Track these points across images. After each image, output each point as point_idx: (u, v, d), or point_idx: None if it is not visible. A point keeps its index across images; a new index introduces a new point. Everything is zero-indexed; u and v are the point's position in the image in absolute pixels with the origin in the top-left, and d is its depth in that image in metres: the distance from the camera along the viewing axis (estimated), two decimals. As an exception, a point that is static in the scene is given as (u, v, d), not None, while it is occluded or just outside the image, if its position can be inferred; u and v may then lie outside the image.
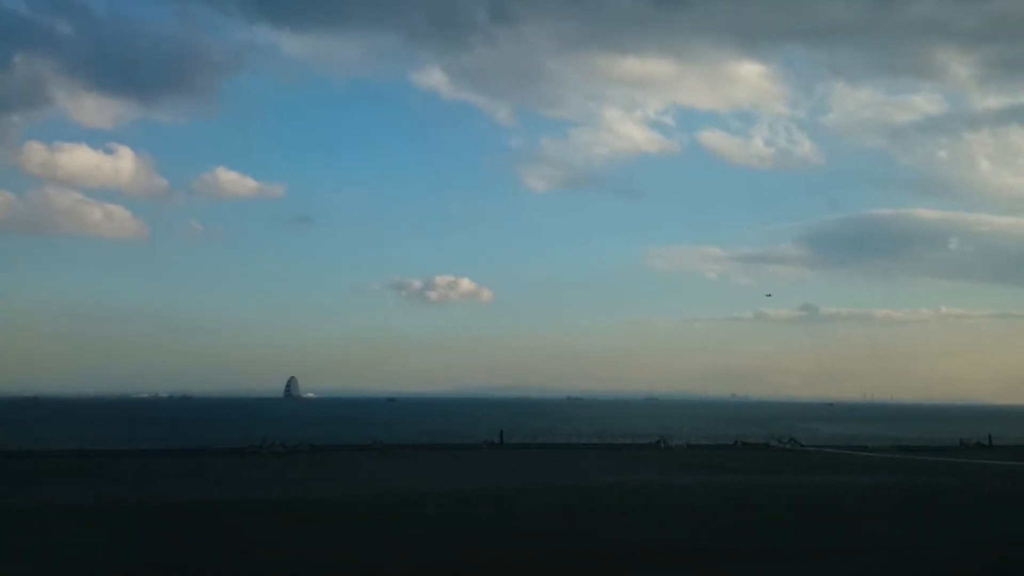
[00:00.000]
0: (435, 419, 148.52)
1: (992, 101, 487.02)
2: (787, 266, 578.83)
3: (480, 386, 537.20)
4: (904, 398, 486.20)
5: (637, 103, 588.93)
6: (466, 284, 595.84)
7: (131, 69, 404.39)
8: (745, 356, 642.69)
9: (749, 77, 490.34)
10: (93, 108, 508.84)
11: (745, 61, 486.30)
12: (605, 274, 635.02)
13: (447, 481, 35.77)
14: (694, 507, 27.21)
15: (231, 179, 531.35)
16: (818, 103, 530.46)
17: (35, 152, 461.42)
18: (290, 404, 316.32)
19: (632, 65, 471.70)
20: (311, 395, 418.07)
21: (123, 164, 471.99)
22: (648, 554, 18.58)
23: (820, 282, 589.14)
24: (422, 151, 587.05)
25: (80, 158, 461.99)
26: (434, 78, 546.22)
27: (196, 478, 37.14)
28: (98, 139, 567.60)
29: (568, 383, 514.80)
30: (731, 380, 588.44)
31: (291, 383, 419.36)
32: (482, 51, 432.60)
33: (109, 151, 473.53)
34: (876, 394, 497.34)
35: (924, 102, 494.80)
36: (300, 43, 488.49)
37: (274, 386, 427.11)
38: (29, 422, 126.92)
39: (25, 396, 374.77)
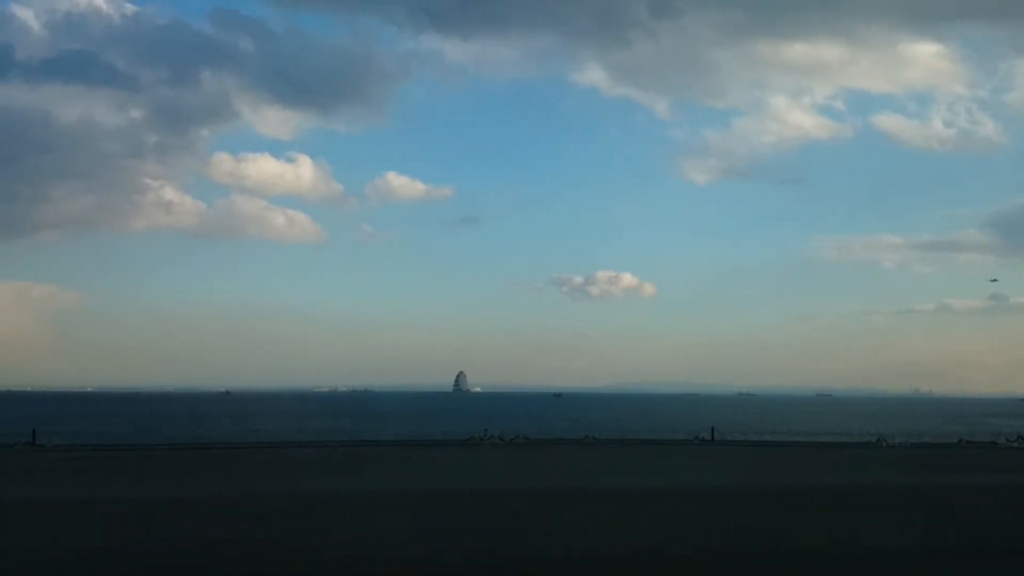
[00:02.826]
0: (614, 414, 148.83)
1: None
2: (972, 253, 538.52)
3: (645, 381, 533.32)
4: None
5: (805, 89, 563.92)
6: (628, 279, 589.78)
7: (309, 82, 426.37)
8: (927, 350, 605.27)
9: (925, 58, 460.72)
10: (274, 120, 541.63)
11: (920, 41, 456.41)
12: (771, 266, 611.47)
13: (773, 475, 36.42)
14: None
15: (401, 183, 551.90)
16: (1000, 82, 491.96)
17: (223, 163, 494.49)
18: (460, 398, 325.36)
19: (799, 50, 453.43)
20: (478, 389, 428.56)
21: (303, 172, 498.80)
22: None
23: (1010, 270, 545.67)
24: (582, 148, 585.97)
25: (264, 167, 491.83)
26: (593, 76, 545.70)
27: (465, 467, 39.18)
28: (279, 149, 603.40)
29: (736, 378, 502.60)
30: (912, 375, 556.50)
31: (460, 378, 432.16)
32: (643, 46, 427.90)
33: (290, 160, 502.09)
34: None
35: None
36: (463, 49, 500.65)
37: (443, 381, 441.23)
38: (252, 416, 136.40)
39: (217, 391, 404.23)
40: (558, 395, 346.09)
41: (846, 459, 46.22)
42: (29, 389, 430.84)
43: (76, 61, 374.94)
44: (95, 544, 19.50)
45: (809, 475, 36.66)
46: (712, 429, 62.62)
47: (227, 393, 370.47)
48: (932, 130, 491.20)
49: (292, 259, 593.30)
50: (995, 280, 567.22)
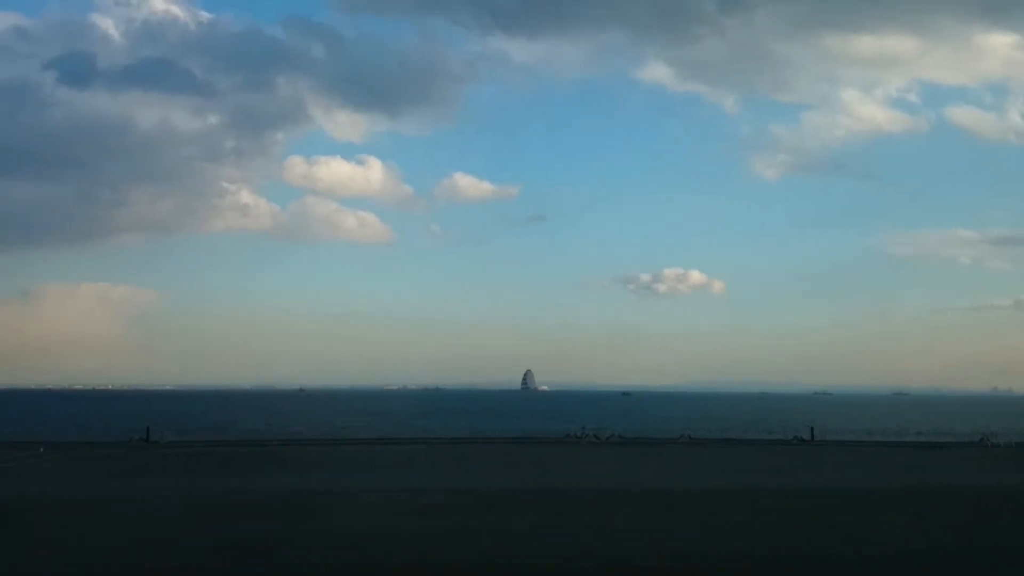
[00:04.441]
0: (691, 414, 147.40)
1: None
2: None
3: (714, 380, 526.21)
4: None
5: (876, 82, 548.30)
6: (696, 276, 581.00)
7: (379, 86, 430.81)
8: (1006, 347, 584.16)
9: (999, 48, 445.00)
10: (346, 123, 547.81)
11: (994, 32, 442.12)
12: (843, 262, 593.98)
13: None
14: None
15: (468, 183, 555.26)
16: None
17: (296, 166, 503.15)
18: (528, 397, 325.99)
19: (869, 43, 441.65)
20: (545, 388, 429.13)
21: (373, 174, 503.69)
22: None
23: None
24: (648, 145, 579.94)
25: (336, 170, 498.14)
26: (658, 72, 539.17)
27: (589, 465, 39.73)
28: (350, 151, 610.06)
29: (808, 377, 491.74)
30: (990, 373, 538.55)
31: (527, 376, 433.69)
32: (710, 42, 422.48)
33: (360, 162, 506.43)
34: None
35: None
36: (528, 49, 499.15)
37: (510, 379, 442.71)
38: (342, 413, 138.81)
39: (291, 389, 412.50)
40: (626, 394, 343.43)
41: (961, 459, 45.62)
42: (110, 388, 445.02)
43: (155, 68, 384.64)
44: (241, 535, 20.52)
45: (940, 476, 36.35)
46: (811, 428, 62.06)
47: (301, 391, 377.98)
48: (1009, 122, 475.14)
49: (362, 259, 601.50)
50: None
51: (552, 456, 45.37)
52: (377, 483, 30.97)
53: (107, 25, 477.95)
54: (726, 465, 40.80)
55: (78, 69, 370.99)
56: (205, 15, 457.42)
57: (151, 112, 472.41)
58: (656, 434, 69.79)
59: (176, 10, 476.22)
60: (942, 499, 28.32)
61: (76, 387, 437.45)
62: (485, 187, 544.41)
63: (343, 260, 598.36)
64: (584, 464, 40.36)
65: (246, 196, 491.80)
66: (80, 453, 46.22)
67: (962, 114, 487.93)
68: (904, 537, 20.70)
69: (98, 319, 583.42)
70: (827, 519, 23.75)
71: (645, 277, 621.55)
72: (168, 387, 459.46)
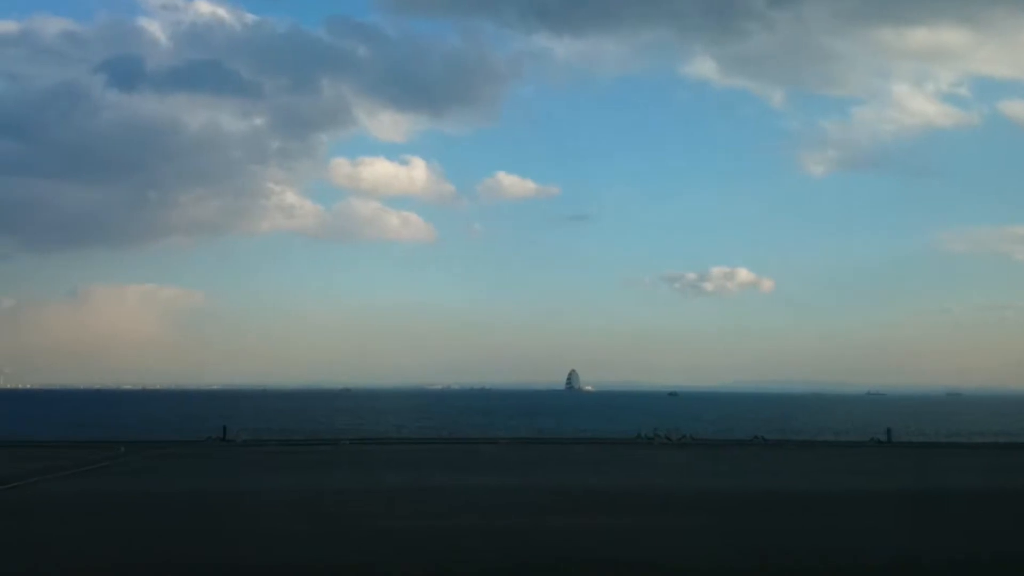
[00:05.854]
0: (747, 414, 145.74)
1: None
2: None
3: (763, 380, 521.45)
4: None
5: (928, 76, 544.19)
6: (744, 274, 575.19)
7: (422, 86, 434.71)
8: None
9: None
10: (389, 124, 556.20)
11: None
12: (896, 260, 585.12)
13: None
14: None
15: (511, 182, 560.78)
16: None
17: (340, 167, 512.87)
18: (573, 396, 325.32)
19: (922, 37, 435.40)
20: (590, 388, 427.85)
21: (416, 174, 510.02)
22: None
23: None
24: (693, 142, 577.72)
25: (379, 170, 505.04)
26: (703, 68, 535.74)
27: (683, 467, 39.53)
28: (394, 152, 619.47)
29: (860, 377, 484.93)
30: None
31: (572, 376, 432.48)
32: (758, 37, 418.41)
33: (404, 162, 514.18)
34: None
35: None
36: (572, 47, 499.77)
37: (555, 379, 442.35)
38: (398, 412, 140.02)
39: (336, 388, 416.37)
40: (673, 394, 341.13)
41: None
42: (158, 388, 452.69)
43: (202, 71, 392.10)
44: (397, 532, 20.58)
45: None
46: (888, 430, 60.96)
47: (346, 390, 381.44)
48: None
49: (405, 259, 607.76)
50: None
51: (634, 457, 45.02)
52: (480, 481, 30.85)
53: (154, 28, 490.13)
54: (822, 467, 40.08)
55: (127, 72, 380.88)
56: (250, 17, 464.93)
57: (198, 114, 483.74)
58: (723, 435, 69.02)
59: (222, 12, 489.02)
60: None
61: (125, 387, 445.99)
62: (528, 185, 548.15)
63: (386, 260, 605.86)
64: (673, 465, 39.95)
65: (291, 197, 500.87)
66: (165, 452, 46.67)
67: (1016, 107, 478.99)
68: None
69: (146, 319, 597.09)
70: (977, 522, 23.14)
71: (691, 276, 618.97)
72: (215, 386, 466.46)
